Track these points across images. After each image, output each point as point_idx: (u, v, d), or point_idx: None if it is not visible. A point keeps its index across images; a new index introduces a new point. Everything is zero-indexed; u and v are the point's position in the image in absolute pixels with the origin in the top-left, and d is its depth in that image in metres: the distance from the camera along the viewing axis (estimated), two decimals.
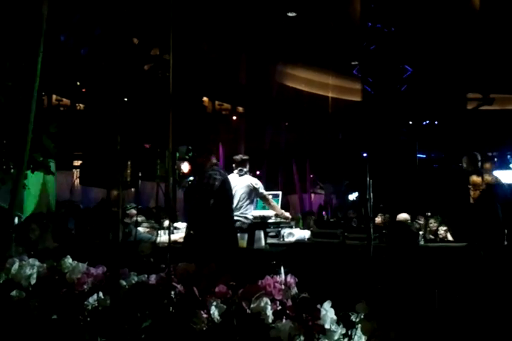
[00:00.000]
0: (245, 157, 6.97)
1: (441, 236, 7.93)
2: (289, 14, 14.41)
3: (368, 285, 4.07)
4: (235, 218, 6.44)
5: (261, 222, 6.39)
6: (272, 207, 6.63)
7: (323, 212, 15.71)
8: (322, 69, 15.75)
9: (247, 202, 6.57)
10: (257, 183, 6.66)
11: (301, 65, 15.94)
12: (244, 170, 6.74)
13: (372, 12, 13.50)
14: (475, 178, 11.88)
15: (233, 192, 6.54)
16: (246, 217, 6.49)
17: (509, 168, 14.65)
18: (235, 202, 6.52)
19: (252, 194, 6.59)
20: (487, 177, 9.37)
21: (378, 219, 8.88)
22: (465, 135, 13.60)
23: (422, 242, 5.66)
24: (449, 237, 8.03)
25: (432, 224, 8.56)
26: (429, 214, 10.46)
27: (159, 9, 11.04)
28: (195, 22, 12.71)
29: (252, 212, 6.59)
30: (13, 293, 3.28)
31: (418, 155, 13.47)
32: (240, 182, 6.63)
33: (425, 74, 13.61)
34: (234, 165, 6.86)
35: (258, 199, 6.76)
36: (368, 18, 13.54)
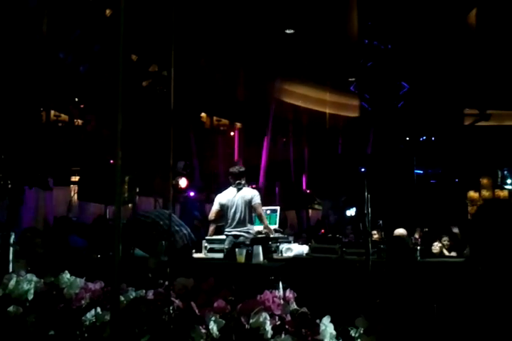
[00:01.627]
0: (242, 169, 6.81)
1: (435, 251, 7.89)
2: (287, 31, 14.53)
3: (367, 300, 4.06)
4: (237, 233, 6.37)
5: (260, 238, 6.32)
6: (260, 219, 6.53)
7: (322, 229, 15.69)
8: (319, 86, 15.84)
9: (248, 216, 6.48)
10: (255, 194, 6.53)
11: (298, 81, 16.03)
12: (242, 182, 6.64)
13: (369, 29, 13.63)
14: (472, 194, 11.90)
15: (233, 207, 6.49)
16: (248, 232, 6.42)
17: (507, 184, 14.70)
18: (236, 217, 6.44)
19: (253, 207, 6.47)
20: (484, 193, 9.36)
21: (376, 235, 8.86)
22: (462, 151, 13.65)
23: (419, 258, 5.66)
24: (446, 253, 8.01)
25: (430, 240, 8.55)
26: (427, 229, 10.47)
27: (158, 26, 11.16)
28: (193, 38, 12.81)
29: (253, 227, 6.52)
30: (10, 308, 3.26)
31: (415, 171, 13.51)
32: (239, 197, 6.54)
33: (422, 91, 13.70)
34: (231, 178, 6.71)
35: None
36: (365, 35, 13.68)
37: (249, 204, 6.49)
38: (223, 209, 6.57)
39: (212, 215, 6.71)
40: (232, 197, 6.56)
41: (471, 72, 13.25)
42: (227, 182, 6.90)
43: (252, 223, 6.53)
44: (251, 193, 6.57)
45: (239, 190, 6.60)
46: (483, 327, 2.09)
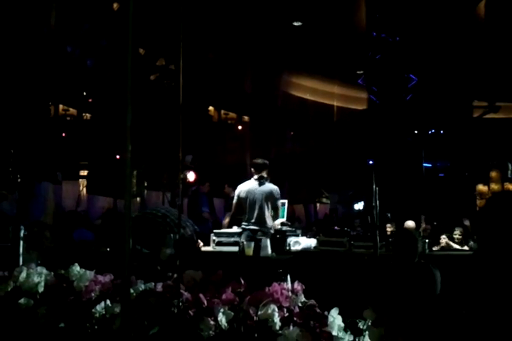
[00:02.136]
0: (266, 161, 6.55)
1: (442, 245, 7.86)
2: (295, 23, 14.47)
3: (375, 292, 4.07)
4: (255, 228, 6.29)
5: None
6: (275, 216, 6.45)
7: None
8: (327, 79, 15.78)
9: (267, 212, 6.33)
10: (277, 191, 6.38)
11: (306, 74, 15.99)
12: (265, 176, 6.41)
13: (377, 22, 13.56)
14: (481, 187, 11.86)
15: (252, 202, 6.34)
16: (267, 228, 6.29)
17: None
18: (255, 212, 6.31)
19: (273, 203, 6.34)
20: (493, 186, 9.32)
21: (390, 228, 8.85)
22: (471, 144, 13.58)
23: (427, 250, 5.66)
24: (454, 246, 7.98)
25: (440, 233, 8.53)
26: (435, 222, 10.45)
27: (165, 20, 11.15)
28: (200, 32, 12.79)
29: (272, 224, 6.35)
30: (21, 300, 3.29)
31: (424, 164, 13.46)
32: (260, 191, 6.36)
33: (430, 83, 13.62)
34: (253, 170, 6.50)
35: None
36: (372, 27, 13.60)
37: (270, 200, 6.35)
38: (242, 201, 6.44)
39: (233, 209, 6.61)
40: (253, 190, 6.41)
41: (479, 64, 13.16)
42: (237, 174, 6.83)
43: (270, 219, 6.38)
44: (273, 189, 6.39)
45: (261, 184, 6.44)
46: (489, 321, 2.10)
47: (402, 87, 13.46)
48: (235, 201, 6.59)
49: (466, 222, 8.94)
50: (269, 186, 6.47)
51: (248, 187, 6.50)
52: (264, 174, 6.46)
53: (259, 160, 6.60)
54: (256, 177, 6.49)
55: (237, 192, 6.58)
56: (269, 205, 6.37)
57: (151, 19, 11.55)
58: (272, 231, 6.23)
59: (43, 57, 10.04)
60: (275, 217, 6.46)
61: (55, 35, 10.63)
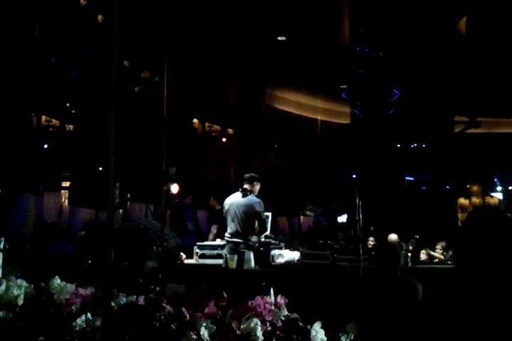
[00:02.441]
0: (253, 175, 6.64)
1: (422, 259, 7.87)
2: (279, 38, 14.59)
3: (358, 306, 4.07)
4: (238, 240, 6.28)
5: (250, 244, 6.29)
6: (261, 229, 6.43)
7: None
8: (311, 93, 15.89)
9: (248, 225, 6.34)
10: (257, 203, 6.38)
11: (290, 88, 16.08)
12: (248, 189, 6.46)
13: (360, 37, 13.71)
14: (462, 201, 11.96)
15: (233, 213, 6.37)
16: (249, 241, 6.28)
17: (496, 191, 14.79)
18: (236, 224, 6.33)
19: (254, 216, 6.37)
20: (474, 200, 9.40)
21: (373, 242, 8.86)
22: (452, 158, 13.72)
23: (410, 264, 5.69)
24: (436, 255, 8.01)
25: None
26: (418, 236, 10.50)
27: (150, 32, 11.17)
28: (185, 44, 12.84)
29: (254, 236, 6.36)
30: (0, 313, 3.24)
31: (406, 178, 13.57)
32: (242, 203, 6.41)
33: (413, 98, 13.77)
34: (244, 182, 6.58)
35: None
36: (356, 42, 13.75)
37: (251, 213, 6.37)
38: (226, 213, 6.49)
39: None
40: (236, 202, 6.45)
41: (461, 80, 13.35)
42: (223, 187, 6.87)
43: (253, 232, 6.39)
44: (255, 202, 6.41)
45: (244, 196, 6.49)
46: (470, 334, 2.11)
47: (385, 102, 13.59)
48: (224, 213, 6.62)
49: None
50: (252, 199, 6.48)
51: (232, 199, 6.54)
52: (248, 187, 6.47)
53: (247, 174, 6.69)
54: (240, 189, 6.52)
55: (224, 204, 6.63)
56: (251, 218, 6.37)
57: (136, 31, 11.57)
58: (256, 244, 6.22)
59: (26, 67, 9.99)
60: (260, 230, 6.43)
61: (39, 46, 10.59)
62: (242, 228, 6.37)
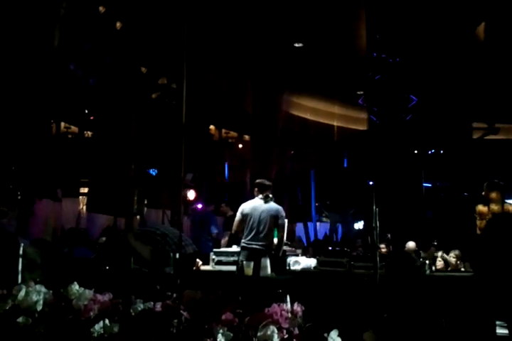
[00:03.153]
0: (269, 182, 6.65)
1: (439, 267, 7.78)
2: (296, 45, 14.61)
3: (375, 313, 4.05)
4: (259, 247, 6.26)
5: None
6: (280, 236, 6.41)
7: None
8: (328, 99, 15.88)
9: (272, 231, 6.32)
10: (283, 213, 6.39)
11: (307, 95, 16.09)
12: (271, 195, 6.46)
13: (377, 42, 13.69)
14: (481, 208, 11.82)
15: (257, 219, 6.33)
16: (271, 247, 6.25)
17: None
18: (260, 229, 6.29)
19: (276, 222, 6.36)
20: (493, 207, 9.26)
21: (384, 249, 8.81)
22: (471, 164, 13.61)
23: (428, 271, 5.65)
24: (451, 261, 7.90)
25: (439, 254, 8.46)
26: (436, 243, 10.41)
27: (168, 39, 11.26)
28: (202, 51, 12.91)
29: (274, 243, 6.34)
30: (20, 319, 3.27)
31: (424, 184, 13.48)
32: (266, 210, 6.37)
33: (430, 104, 13.70)
34: (257, 190, 6.53)
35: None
36: (373, 48, 13.73)
37: (274, 220, 6.34)
38: (245, 219, 6.40)
39: (235, 226, 6.52)
40: (259, 208, 6.39)
41: (479, 85, 13.26)
42: (240, 193, 6.83)
43: (273, 238, 6.35)
44: (279, 210, 6.40)
45: (266, 202, 6.45)
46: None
47: (403, 107, 13.53)
48: (238, 218, 6.51)
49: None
50: (275, 205, 6.48)
51: (253, 205, 6.48)
52: (270, 194, 6.47)
53: (264, 181, 6.66)
54: (261, 196, 6.49)
55: (240, 209, 6.52)
56: (274, 224, 6.35)
57: (154, 38, 11.67)
58: (273, 252, 6.21)
59: (45, 74, 10.11)
60: (278, 236, 6.41)
61: (58, 53, 10.71)
62: (267, 234, 6.32)
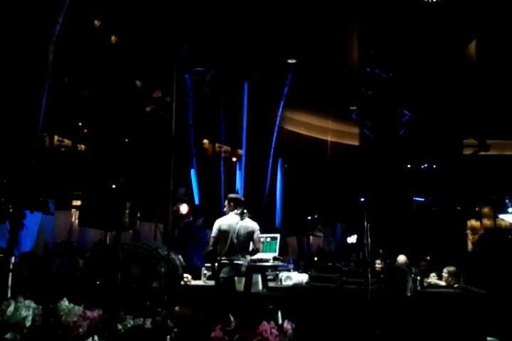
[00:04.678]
0: (242, 197, 6.66)
1: (432, 283, 7.75)
2: (289, 61, 14.69)
3: (367, 329, 4.04)
4: (239, 262, 6.22)
5: (259, 266, 6.24)
6: (256, 248, 6.38)
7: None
8: (321, 114, 15.95)
9: (248, 246, 6.30)
10: (258, 228, 6.36)
11: (300, 109, 16.15)
12: (245, 211, 6.44)
13: (370, 58, 13.79)
14: (474, 222, 11.85)
15: (234, 235, 6.28)
16: (246, 261, 6.27)
17: (507, 213, 14.67)
18: (239, 245, 6.23)
19: (252, 237, 6.33)
20: (485, 222, 9.32)
21: (380, 265, 8.79)
22: (463, 179, 13.66)
23: (419, 287, 5.64)
24: (441, 283, 7.89)
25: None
26: (428, 258, 10.42)
27: (163, 53, 11.31)
28: (196, 65, 12.97)
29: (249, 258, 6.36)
30: (8, 335, 3.23)
31: (416, 199, 13.50)
32: (243, 226, 6.35)
33: (423, 119, 13.78)
34: (231, 205, 6.50)
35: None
36: (366, 63, 13.84)
37: (252, 236, 6.30)
38: (222, 235, 6.33)
39: (213, 243, 6.38)
40: (236, 225, 6.35)
41: (470, 100, 13.35)
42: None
43: (249, 254, 6.34)
44: (254, 225, 6.38)
45: (242, 218, 6.43)
46: None
47: (395, 122, 13.60)
48: (214, 235, 6.39)
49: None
50: (251, 222, 6.44)
51: (229, 222, 6.41)
52: (244, 209, 6.44)
53: (237, 196, 6.68)
54: (237, 211, 6.44)
55: (217, 225, 6.42)
56: (251, 239, 6.32)
57: (149, 52, 11.72)
58: (248, 264, 6.17)
59: (38, 87, 10.10)
60: (254, 248, 6.36)
61: (52, 67, 10.72)
62: (244, 249, 6.29)
